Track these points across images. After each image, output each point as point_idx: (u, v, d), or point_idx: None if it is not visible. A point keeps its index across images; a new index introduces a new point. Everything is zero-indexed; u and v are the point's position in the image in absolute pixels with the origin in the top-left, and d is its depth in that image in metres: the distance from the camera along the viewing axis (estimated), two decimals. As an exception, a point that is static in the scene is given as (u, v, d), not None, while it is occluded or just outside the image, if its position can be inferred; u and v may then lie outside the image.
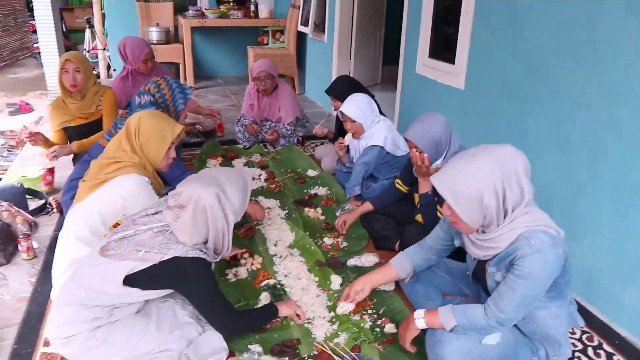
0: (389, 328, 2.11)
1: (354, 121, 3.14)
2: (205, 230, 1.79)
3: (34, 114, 6.14)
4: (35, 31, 5.59)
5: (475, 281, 2.00)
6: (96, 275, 1.74)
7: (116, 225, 2.06)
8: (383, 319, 2.17)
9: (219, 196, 1.78)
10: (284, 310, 2.09)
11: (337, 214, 3.06)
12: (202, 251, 1.78)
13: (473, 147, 1.71)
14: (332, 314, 2.19)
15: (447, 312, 1.75)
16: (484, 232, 1.70)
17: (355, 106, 3.13)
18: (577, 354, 2.06)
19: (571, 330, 2.15)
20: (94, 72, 3.58)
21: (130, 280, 1.72)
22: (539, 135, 2.64)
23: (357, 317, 2.17)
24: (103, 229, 2.15)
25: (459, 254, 2.13)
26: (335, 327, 2.12)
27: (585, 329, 2.19)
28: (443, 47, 3.59)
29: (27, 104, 6.30)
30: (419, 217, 2.63)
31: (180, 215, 1.76)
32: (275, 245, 2.73)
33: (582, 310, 2.25)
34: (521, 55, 2.76)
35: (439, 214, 2.44)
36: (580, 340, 2.14)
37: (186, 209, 1.75)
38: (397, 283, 2.36)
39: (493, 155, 1.61)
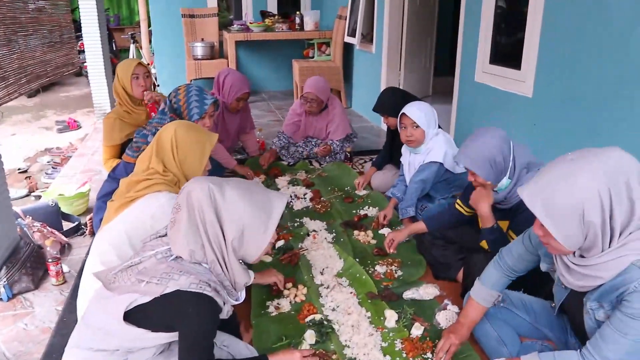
0: (455, 377, 1.79)
1: (417, 127, 2.81)
2: (199, 239, 1.47)
3: (81, 131, 6.17)
4: (84, 50, 5.62)
5: (561, 318, 1.66)
6: (102, 311, 1.50)
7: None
8: (448, 365, 1.84)
9: (211, 191, 1.47)
10: None
11: (390, 237, 2.74)
12: (209, 286, 1.45)
13: (570, 152, 1.37)
14: (388, 358, 1.88)
15: None
16: (582, 256, 1.38)
17: (420, 110, 2.81)
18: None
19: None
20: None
21: (133, 318, 1.45)
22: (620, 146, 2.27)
23: (417, 362, 1.86)
24: (131, 252, 1.93)
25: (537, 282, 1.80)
26: (391, 374, 1.81)
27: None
28: (506, 52, 3.28)
29: (75, 121, 6.34)
30: (484, 244, 2.29)
31: (176, 219, 1.48)
32: (321, 273, 2.45)
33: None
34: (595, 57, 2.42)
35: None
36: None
37: (181, 210, 1.48)
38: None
39: (597, 161, 1.29)
